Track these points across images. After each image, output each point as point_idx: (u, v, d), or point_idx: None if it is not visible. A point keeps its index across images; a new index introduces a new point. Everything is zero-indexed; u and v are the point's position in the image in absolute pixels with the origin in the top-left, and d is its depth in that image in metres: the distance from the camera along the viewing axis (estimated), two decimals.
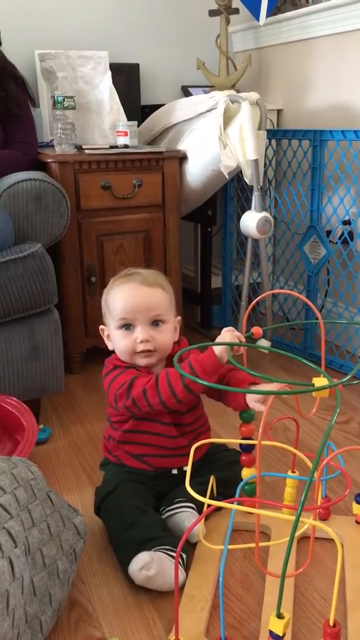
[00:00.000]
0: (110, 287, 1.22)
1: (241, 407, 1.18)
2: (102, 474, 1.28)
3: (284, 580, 0.77)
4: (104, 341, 1.27)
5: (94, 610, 1.04)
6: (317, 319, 1.14)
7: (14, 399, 1.43)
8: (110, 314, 1.21)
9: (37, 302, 1.50)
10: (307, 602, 1.05)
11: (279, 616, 0.81)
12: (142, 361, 1.19)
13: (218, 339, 1.11)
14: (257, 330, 1.13)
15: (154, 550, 1.04)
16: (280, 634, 0.81)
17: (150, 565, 1.01)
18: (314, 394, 0.84)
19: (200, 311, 2.35)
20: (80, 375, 1.96)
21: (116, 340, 1.20)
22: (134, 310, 1.17)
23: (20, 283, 1.46)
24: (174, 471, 1.23)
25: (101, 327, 1.26)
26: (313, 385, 0.82)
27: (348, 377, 0.85)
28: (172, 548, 1.05)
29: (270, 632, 0.82)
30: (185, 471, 1.21)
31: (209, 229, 2.23)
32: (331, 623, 0.81)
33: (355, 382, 1.06)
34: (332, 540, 1.17)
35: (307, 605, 1.04)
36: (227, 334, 1.11)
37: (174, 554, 1.03)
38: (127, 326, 1.18)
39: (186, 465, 1.22)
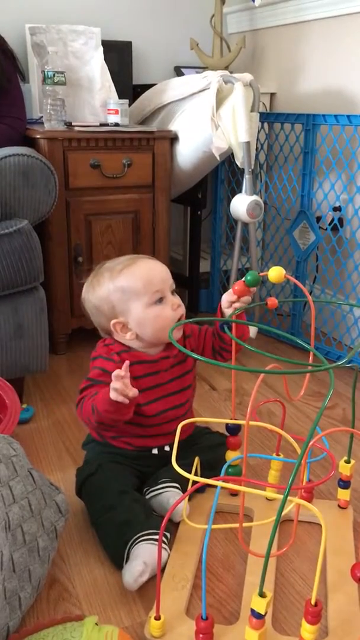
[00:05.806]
0: (111, 277, 1.16)
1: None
2: (84, 454, 1.27)
3: (269, 558, 0.77)
4: (89, 322, 1.25)
5: (73, 589, 1.03)
6: (306, 302, 1.13)
7: None
8: (134, 296, 1.15)
9: (23, 279, 1.48)
10: (287, 583, 1.05)
11: (261, 595, 0.80)
12: (178, 334, 1.21)
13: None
14: (272, 300, 1.06)
15: (139, 542, 1.02)
16: (262, 613, 0.80)
17: (145, 571, 0.99)
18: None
19: (188, 295, 2.33)
20: (66, 356, 1.94)
21: (155, 315, 1.15)
22: (162, 280, 1.17)
23: (6, 260, 1.43)
24: (154, 451, 1.23)
25: (114, 321, 1.17)
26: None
27: (345, 360, 0.83)
28: (155, 531, 1.04)
29: (252, 610, 0.82)
30: (167, 451, 1.22)
31: (199, 212, 2.21)
32: (313, 602, 0.81)
33: (348, 364, 1.04)
34: (313, 523, 1.17)
35: (287, 586, 1.04)
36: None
37: (157, 537, 1.02)
38: (161, 299, 1.17)
39: (167, 444, 1.22)
